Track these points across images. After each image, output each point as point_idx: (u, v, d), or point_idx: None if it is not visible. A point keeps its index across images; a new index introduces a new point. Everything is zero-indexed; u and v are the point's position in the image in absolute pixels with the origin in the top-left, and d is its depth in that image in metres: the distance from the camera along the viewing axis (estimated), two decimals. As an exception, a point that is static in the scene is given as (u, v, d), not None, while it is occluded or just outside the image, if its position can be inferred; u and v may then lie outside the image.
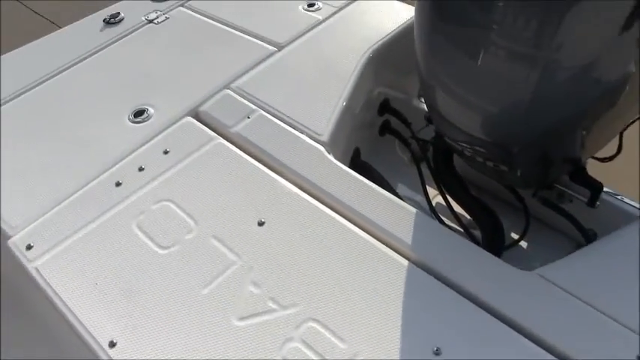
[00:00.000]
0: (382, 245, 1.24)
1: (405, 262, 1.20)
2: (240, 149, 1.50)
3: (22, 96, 1.75)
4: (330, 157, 1.47)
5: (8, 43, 2.20)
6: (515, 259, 1.24)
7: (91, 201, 1.39)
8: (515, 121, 1.24)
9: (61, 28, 2.00)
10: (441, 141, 1.68)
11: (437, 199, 1.87)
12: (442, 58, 1.28)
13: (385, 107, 1.91)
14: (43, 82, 1.79)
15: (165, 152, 1.50)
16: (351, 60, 1.76)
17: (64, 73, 1.82)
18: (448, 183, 1.76)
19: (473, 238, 1.69)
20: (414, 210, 1.29)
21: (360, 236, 1.26)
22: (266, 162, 1.46)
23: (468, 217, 1.74)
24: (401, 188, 1.95)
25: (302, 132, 1.53)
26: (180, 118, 1.61)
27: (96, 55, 1.88)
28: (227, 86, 1.71)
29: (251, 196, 1.36)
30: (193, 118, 1.62)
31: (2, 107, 1.71)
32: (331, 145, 1.51)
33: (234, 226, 1.30)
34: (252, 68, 1.76)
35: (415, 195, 1.97)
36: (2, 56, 1.91)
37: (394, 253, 1.22)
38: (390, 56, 1.86)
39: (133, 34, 1.96)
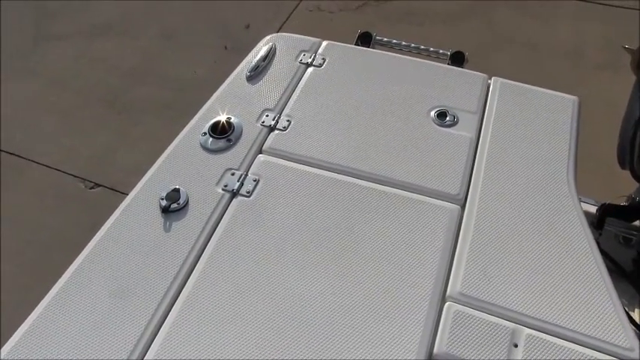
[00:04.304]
0: None
1: None
2: None
3: None
4: None
5: None
6: None
7: None
8: None
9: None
10: None
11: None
12: None
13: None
14: None
15: None
16: (557, 194, 1.31)
17: (162, 338, 1.10)
18: None
19: None
20: None
21: None
22: None
23: None
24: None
25: (602, 351, 1.05)
26: None
27: (189, 288, 1.17)
28: (443, 296, 1.14)
29: None
30: None
31: None
32: None
33: None
34: (452, 252, 1.21)
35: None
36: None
37: None
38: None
39: (222, 225, 1.26)
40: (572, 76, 3.71)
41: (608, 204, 1.63)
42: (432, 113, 1.47)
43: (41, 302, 1.16)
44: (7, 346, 1.09)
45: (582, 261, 1.18)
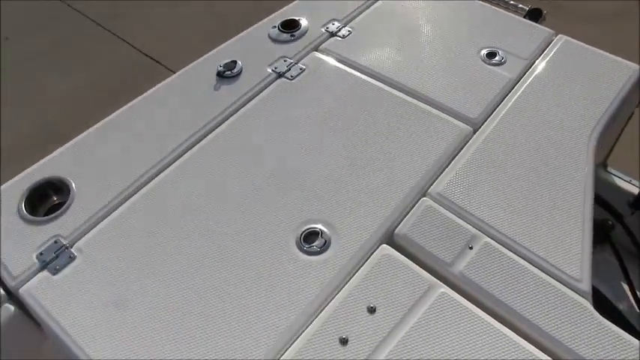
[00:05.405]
0: None
1: None
2: (470, 300, 1.07)
3: (133, 199, 1.26)
4: (596, 314, 1.04)
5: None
6: None
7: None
8: None
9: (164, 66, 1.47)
10: None
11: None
12: None
13: None
14: (155, 176, 1.31)
15: (371, 310, 1.05)
16: (572, 147, 1.33)
17: (181, 163, 1.33)
18: None
19: None
20: None
21: None
22: (513, 325, 1.05)
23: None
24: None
25: (552, 275, 1.09)
26: (373, 247, 1.15)
27: (216, 134, 1.38)
28: (424, 192, 1.24)
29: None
30: (389, 245, 1.16)
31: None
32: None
33: None
34: (448, 162, 1.30)
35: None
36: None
37: None
38: (607, 130, 1.41)
39: (261, 96, 1.45)
40: None
41: None
42: (483, 52, 1.54)
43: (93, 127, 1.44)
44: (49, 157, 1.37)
45: (570, 201, 1.22)
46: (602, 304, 1.45)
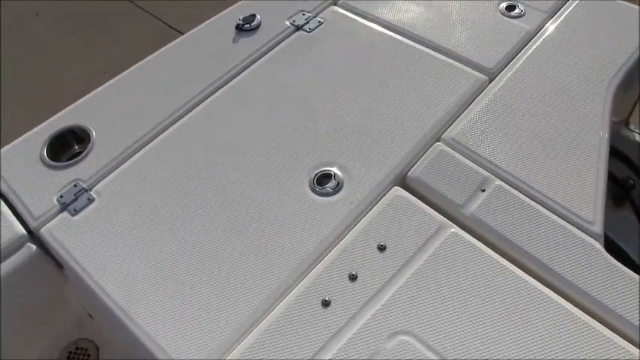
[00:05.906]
0: None
1: None
2: (481, 241, 1.07)
3: (151, 145, 1.30)
4: (607, 255, 1.03)
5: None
6: None
7: (295, 327, 0.97)
8: None
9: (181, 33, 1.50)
10: None
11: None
12: None
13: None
14: (172, 124, 1.34)
15: (381, 248, 1.06)
16: (588, 96, 1.31)
17: (198, 111, 1.36)
18: None
19: None
20: None
21: None
22: (524, 265, 1.05)
23: None
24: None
25: (564, 218, 1.08)
26: (385, 189, 1.15)
27: (234, 83, 1.40)
28: (437, 138, 1.24)
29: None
30: (401, 187, 1.16)
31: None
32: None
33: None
34: (462, 109, 1.29)
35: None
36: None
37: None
38: (627, 84, 1.38)
39: (279, 47, 1.46)
40: None
41: None
42: (502, 5, 1.53)
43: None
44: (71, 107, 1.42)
45: (585, 147, 1.21)
46: (615, 253, 1.44)
